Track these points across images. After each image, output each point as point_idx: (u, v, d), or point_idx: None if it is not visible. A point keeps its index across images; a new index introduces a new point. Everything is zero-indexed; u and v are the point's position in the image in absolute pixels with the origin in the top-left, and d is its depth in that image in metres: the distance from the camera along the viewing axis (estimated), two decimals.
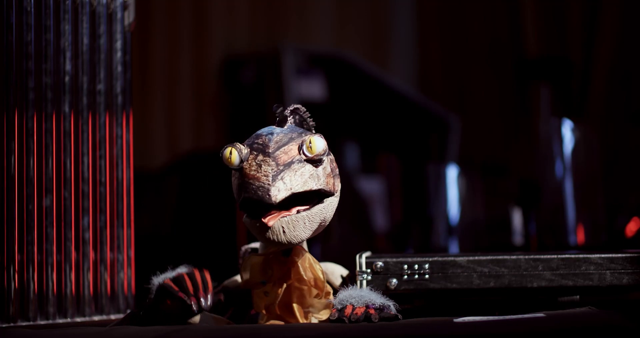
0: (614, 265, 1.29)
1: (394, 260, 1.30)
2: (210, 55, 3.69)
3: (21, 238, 1.38)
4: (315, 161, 1.19)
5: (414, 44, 4.44)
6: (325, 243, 3.07)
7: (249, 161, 1.18)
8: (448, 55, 4.33)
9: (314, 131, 1.24)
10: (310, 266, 1.23)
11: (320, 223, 1.20)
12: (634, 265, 1.29)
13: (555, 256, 1.30)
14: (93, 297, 1.48)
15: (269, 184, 1.16)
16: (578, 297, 1.30)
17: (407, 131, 4.01)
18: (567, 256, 1.30)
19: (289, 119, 1.23)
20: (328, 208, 1.21)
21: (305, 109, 1.25)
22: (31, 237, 1.38)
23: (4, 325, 1.35)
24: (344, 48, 4.01)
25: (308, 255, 1.23)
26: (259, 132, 1.21)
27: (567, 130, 2.77)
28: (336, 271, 1.33)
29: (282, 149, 1.18)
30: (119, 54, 1.53)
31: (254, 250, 1.36)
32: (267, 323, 1.24)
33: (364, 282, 1.29)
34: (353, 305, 1.19)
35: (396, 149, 3.94)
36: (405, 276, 1.30)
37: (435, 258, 1.31)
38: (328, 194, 1.20)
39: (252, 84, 3.61)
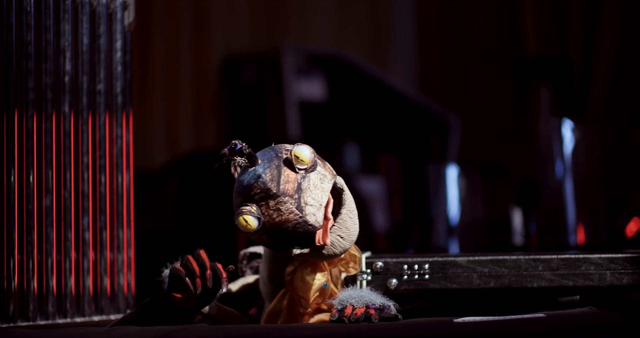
0: (614, 265, 1.29)
1: (394, 260, 1.30)
2: (210, 55, 3.69)
3: (21, 238, 1.37)
4: (314, 167, 1.18)
5: (414, 44, 4.44)
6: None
7: (266, 215, 1.15)
8: (448, 55, 4.33)
9: (276, 146, 1.21)
10: (302, 282, 1.23)
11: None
12: (634, 265, 1.29)
13: (555, 256, 1.30)
14: (93, 297, 1.48)
15: (300, 216, 1.15)
16: (578, 297, 1.30)
17: (407, 131, 4.01)
18: (567, 256, 1.30)
19: (243, 157, 1.18)
20: (347, 189, 1.20)
21: (238, 142, 1.18)
22: (31, 237, 1.38)
23: (4, 325, 1.35)
24: (344, 48, 4.01)
25: (301, 274, 1.23)
26: (246, 183, 1.16)
27: (567, 130, 2.77)
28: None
29: (282, 181, 1.16)
30: (118, 54, 1.53)
31: (254, 254, 1.36)
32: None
33: (364, 282, 1.29)
34: (353, 306, 1.19)
35: (396, 149, 3.94)
36: (405, 277, 1.30)
37: (435, 258, 1.31)
38: (336, 182, 1.19)
39: (252, 84, 3.61)
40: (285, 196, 1.15)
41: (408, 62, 4.42)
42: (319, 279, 1.23)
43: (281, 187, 1.15)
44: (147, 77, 3.51)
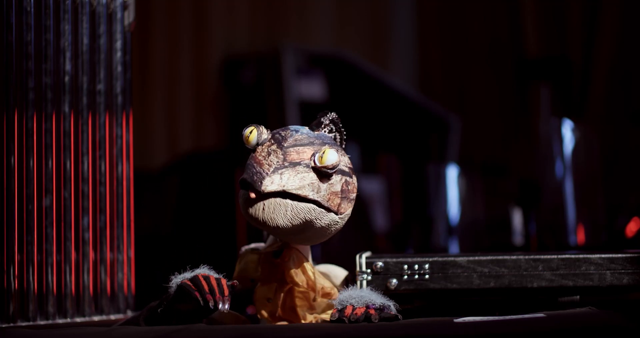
0: (614, 265, 1.29)
1: (394, 260, 1.30)
2: (210, 55, 3.69)
3: (21, 238, 1.37)
4: (322, 173, 1.18)
5: (414, 44, 4.44)
6: (325, 243, 3.06)
7: (263, 147, 1.20)
8: (448, 55, 4.33)
9: (341, 146, 1.24)
10: (302, 269, 1.23)
11: (306, 223, 1.18)
12: (634, 265, 1.29)
13: (555, 256, 1.30)
14: (93, 297, 1.48)
15: (267, 173, 1.17)
16: (578, 297, 1.30)
17: (407, 131, 4.01)
18: (567, 256, 1.30)
19: (323, 126, 1.23)
20: (322, 218, 1.19)
21: (341, 124, 1.25)
22: (31, 237, 1.38)
23: (4, 325, 1.35)
24: (344, 48, 4.01)
25: (296, 257, 1.23)
26: (289, 126, 1.23)
27: (567, 130, 2.77)
28: (340, 275, 1.33)
29: (296, 148, 1.18)
30: (118, 54, 1.53)
31: (254, 251, 1.36)
32: None
33: (364, 282, 1.29)
34: (353, 306, 1.19)
35: (396, 149, 3.93)
36: (405, 277, 1.30)
37: (435, 258, 1.31)
38: (326, 209, 1.19)
39: (252, 84, 3.61)
40: (282, 154, 1.18)
41: (408, 62, 4.42)
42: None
43: (291, 149, 1.19)
44: (147, 77, 3.50)
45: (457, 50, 4.29)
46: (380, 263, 1.30)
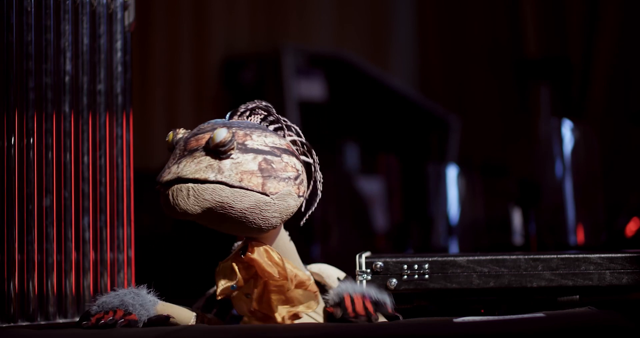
0: (614, 264, 1.29)
1: (394, 260, 1.31)
2: (210, 55, 3.69)
3: (21, 238, 1.38)
4: (215, 152, 1.16)
5: (414, 44, 4.44)
6: (325, 243, 3.07)
7: (177, 146, 1.20)
8: (448, 55, 4.33)
9: (281, 131, 1.24)
10: (269, 259, 1.20)
11: (219, 205, 1.15)
12: (633, 265, 1.29)
13: (555, 256, 1.30)
14: (93, 297, 1.48)
15: (168, 166, 1.17)
16: (578, 296, 1.30)
17: (407, 131, 4.02)
18: (566, 256, 1.30)
19: (240, 113, 1.22)
20: (242, 200, 1.16)
21: (273, 109, 1.23)
22: (31, 237, 1.38)
23: (4, 325, 1.35)
24: (344, 48, 4.01)
25: (263, 248, 1.21)
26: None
27: (567, 130, 2.77)
28: (332, 275, 1.31)
29: (196, 136, 1.18)
30: (119, 54, 1.53)
31: (224, 260, 1.34)
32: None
33: (364, 282, 1.29)
34: (350, 295, 1.19)
35: (396, 149, 3.94)
36: (405, 276, 1.30)
37: (435, 258, 1.31)
38: (240, 189, 1.16)
39: (252, 84, 3.61)
40: (184, 145, 1.19)
41: (408, 62, 4.42)
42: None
43: (191, 138, 1.19)
44: (147, 77, 3.51)
45: (457, 50, 4.29)
46: (380, 263, 1.30)
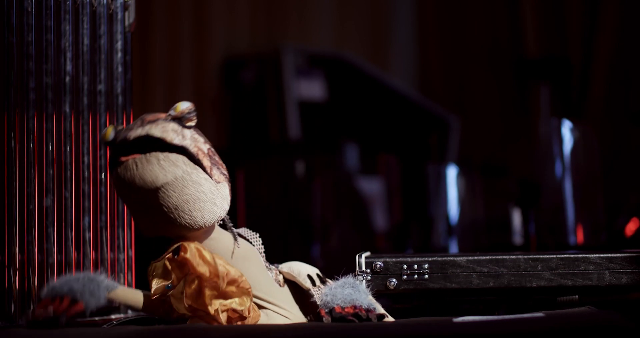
0: (613, 264, 1.29)
1: (394, 260, 1.31)
2: (210, 55, 3.69)
3: (21, 238, 1.38)
4: (179, 120, 1.16)
5: (414, 44, 4.44)
6: (325, 243, 3.07)
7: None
8: (448, 55, 4.33)
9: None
10: (202, 259, 1.19)
11: (178, 180, 1.14)
12: (632, 265, 1.29)
13: (555, 256, 1.30)
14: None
15: (129, 129, 1.14)
16: (577, 296, 1.31)
17: (407, 131, 4.01)
18: (566, 256, 1.30)
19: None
20: (190, 175, 1.14)
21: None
22: (31, 237, 1.39)
23: (3, 325, 1.35)
24: (344, 48, 4.01)
25: (194, 246, 1.19)
26: None
27: (567, 130, 2.77)
28: (302, 272, 1.29)
29: (150, 117, 1.16)
30: (119, 54, 1.53)
31: (155, 260, 1.33)
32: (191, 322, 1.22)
33: (364, 282, 1.29)
34: (341, 307, 1.18)
35: (396, 149, 3.94)
36: (405, 276, 1.30)
37: (435, 258, 1.31)
38: (196, 164, 1.15)
39: (252, 84, 3.61)
40: (140, 121, 1.16)
41: (408, 62, 4.42)
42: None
43: (145, 116, 1.17)
44: (147, 77, 3.51)
45: (457, 50, 4.29)
46: (379, 263, 1.30)
